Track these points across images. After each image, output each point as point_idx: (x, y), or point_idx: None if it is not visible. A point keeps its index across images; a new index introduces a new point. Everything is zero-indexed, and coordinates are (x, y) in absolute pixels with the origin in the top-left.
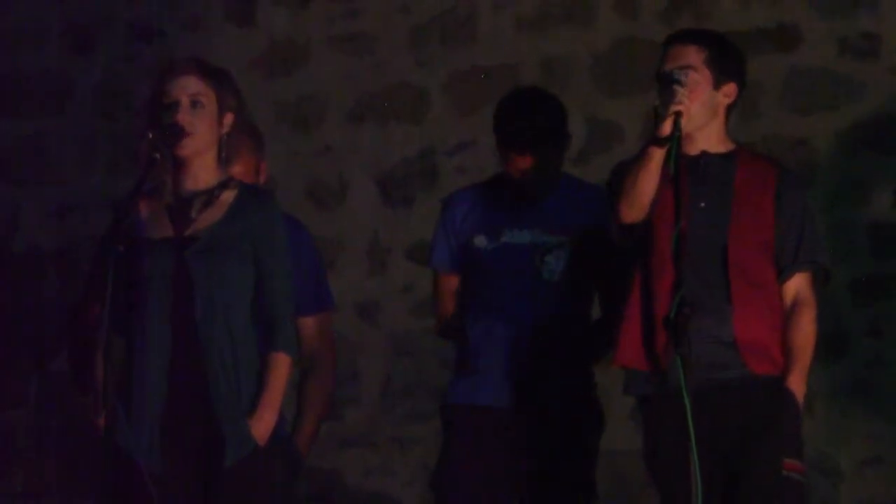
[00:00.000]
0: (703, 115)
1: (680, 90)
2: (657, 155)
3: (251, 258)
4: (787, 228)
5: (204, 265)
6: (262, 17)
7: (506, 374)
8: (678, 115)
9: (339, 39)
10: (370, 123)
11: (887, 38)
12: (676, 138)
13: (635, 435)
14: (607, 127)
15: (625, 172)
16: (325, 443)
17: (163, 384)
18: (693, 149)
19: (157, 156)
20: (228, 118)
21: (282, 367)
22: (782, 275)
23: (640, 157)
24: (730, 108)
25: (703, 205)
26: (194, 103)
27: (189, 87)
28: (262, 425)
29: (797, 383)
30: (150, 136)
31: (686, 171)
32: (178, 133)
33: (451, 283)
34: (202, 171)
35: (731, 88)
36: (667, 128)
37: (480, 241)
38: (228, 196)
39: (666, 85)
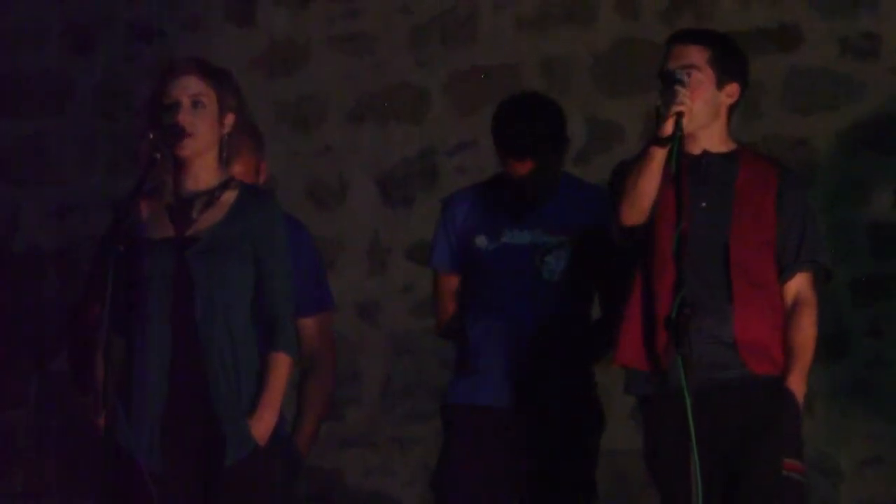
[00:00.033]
0: (705, 114)
1: (682, 90)
2: (658, 155)
3: (251, 258)
4: (788, 228)
5: (204, 265)
6: (262, 17)
7: (506, 374)
8: (680, 115)
9: (340, 39)
10: (370, 123)
11: (887, 38)
12: (678, 138)
13: (636, 435)
14: (608, 127)
15: (626, 172)
16: (326, 443)
17: (163, 384)
18: (695, 148)
19: (158, 156)
20: (229, 118)
21: (282, 367)
22: (783, 274)
23: (641, 157)
24: (732, 108)
25: (704, 204)
26: (195, 104)
27: (190, 87)
28: (263, 425)
29: (797, 383)
30: (151, 136)
31: (687, 170)
32: (179, 133)
33: (451, 283)
34: (203, 172)
35: (733, 88)
36: (668, 128)
37: (481, 241)
38: (229, 196)
39: (668, 85)
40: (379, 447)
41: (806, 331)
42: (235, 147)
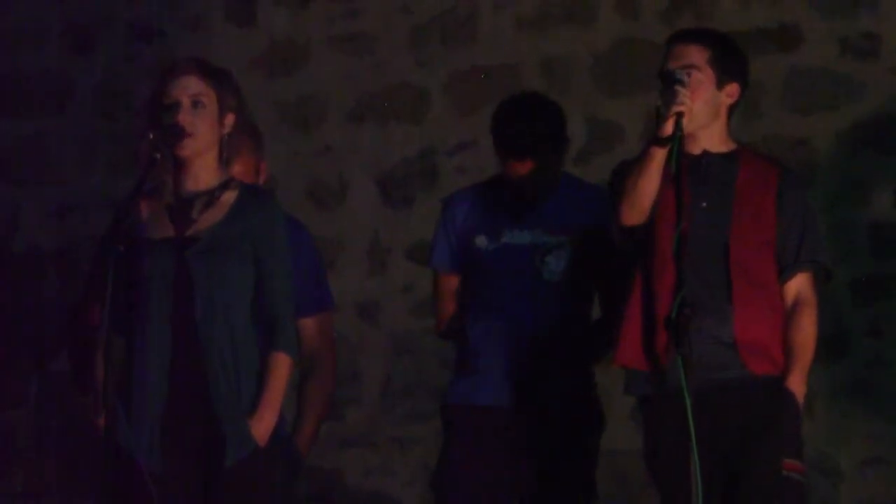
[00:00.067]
0: (705, 114)
1: (682, 90)
2: (659, 155)
3: (251, 258)
4: (788, 228)
5: (204, 265)
6: (262, 17)
7: (506, 374)
8: (680, 115)
9: (340, 39)
10: (370, 123)
11: (887, 38)
12: (678, 138)
13: (636, 435)
14: (608, 127)
15: (626, 172)
16: (326, 443)
17: (163, 384)
18: (695, 148)
19: (158, 156)
20: (229, 118)
21: (282, 367)
22: (783, 274)
23: (641, 158)
24: (732, 108)
25: (704, 204)
26: (195, 104)
27: (190, 87)
28: (263, 425)
29: (797, 383)
30: (151, 136)
31: (688, 170)
32: (179, 133)
33: (451, 283)
34: (203, 172)
35: (733, 88)
36: (668, 128)
37: (481, 241)
38: (229, 197)
39: (668, 85)
40: (379, 447)
41: (806, 331)
42: (235, 147)
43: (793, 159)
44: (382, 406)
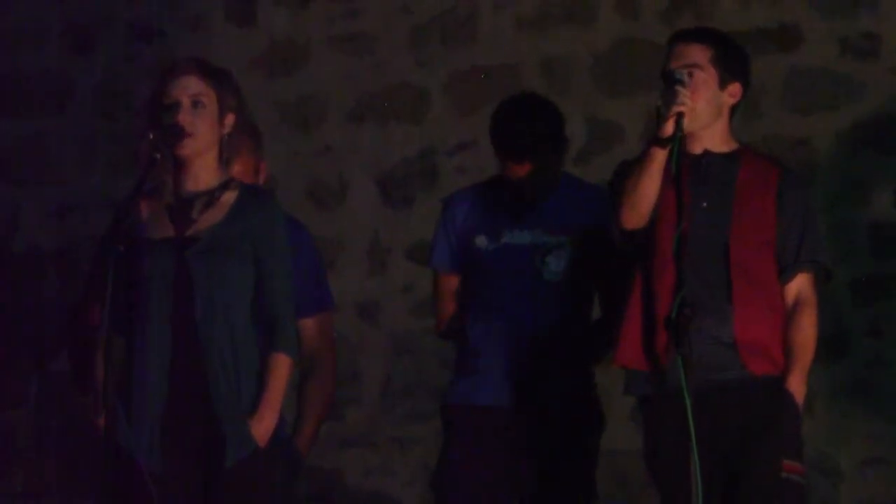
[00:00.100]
0: (708, 114)
1: (682, 90)
2: (659, 156)
3: (251, 258)
4: (788, 228)
5: (204, 265)
6: (262, 17)
7: (506, 375)
8: (680, 115)
9: (340, 39)
10: (370, 123)
11: (888, 38)
12: (678, 139)
13: (635, 435)
14: (608, 127)
15: (627, 172)
16: (326, 443)
17: (163, 384)
18: (696, 148)
19: (158, 156)
20: (229, 118)
21: (282, 367)
22: (784, 275)
23: (642, 159)
24: (734, 108)
25: (705, 204)
26: (195, 104)
27: (190, 87)
28: (263, 426)
29: (797, 384)
30: (151, 136)
31: (688, 170)
32: (179, 133)
33: (451, 283)
34: (203, 172)
35: (735, 88)
36: (669, 128)
37: (481, 241)
38: (229, 197)
39: (668, 85)
40: (379, 447)
41: (806, 331)
42: (235, 147)
43: (793, 159)
44: (382, 406)
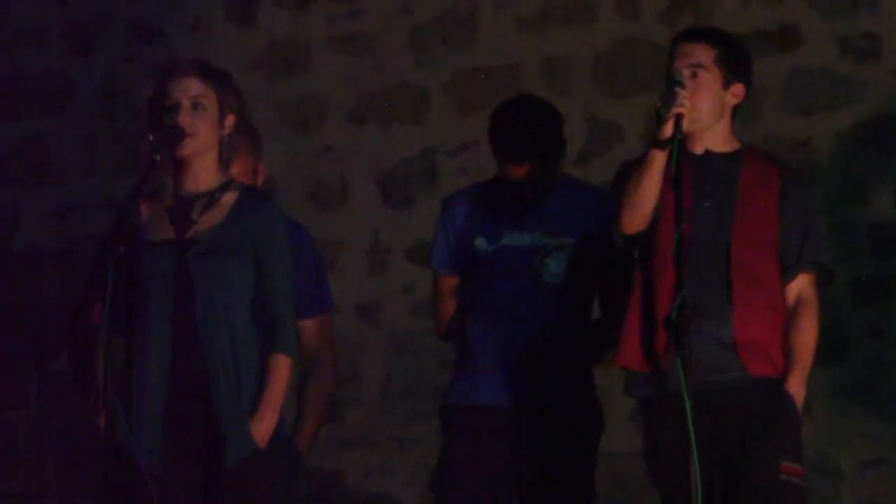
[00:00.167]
0: (711, 114)
1: (681, 92)
2: (659, 157)
3: (251, 259)
4: (790, 228)
5: (204, 266)
6: (262, 17)
7: (506, 375)
8: (679, 117)
9: (340, 40)
10: (371, 124)
11: (888, 38)
12: (678, 140)
13: (635, 436)
14: (608, 127)
15: (629, 174)
16: (326, 443)
17: (163, 384)
18: (698, 148)
19: (158, 157)
20: (230, 120)
21: (282, 368)
22: (785, 275)
23: (642, 161)
24: (735, 109)
25: (707, 204)
26: (195, 105)
27: (190, 88)
28: (263, 426)
29: (797, 386)
30: (151, 137)
31: (690, 170)
32: (179, 134)
33: (451, 283)
34: (203, 173)
35: (738, 89)
36: (668, 130)
37: (480, 242)
38: (229, 198)
39: (667, 87)
40: (379, 447)
41: (807, 332)
42: (234, 148)
43: (793, 160)
44: (382, 406)
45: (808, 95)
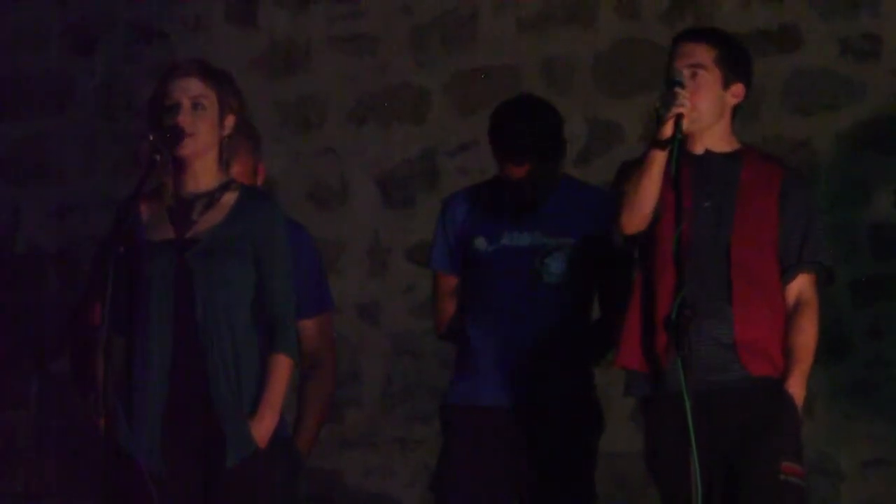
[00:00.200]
0: (711, 114)
1: (681, 92)
2: (659, 158)
3: (252, 259)
4: (790, 228)
5: (204, 266)
6: (262, 17)
7: (506, 375)
8: (679, 117)
9: (340, 40)
10: (371, 124)
11: (888, 38)
12: (678, 140)
13: (635, 436)
14: (608, 127)
15: (629, 173)
16: (326, 443)
17: (163, 384)
18: (698, 148)
19: (158, 157)
20: (230, 120)
21: (282, 368)
22: (785, 275)
23: (642, 161)
24: (736, 109)
25: (707, 204)
26: (195, 105)
27: (190, 88)
28: (263, 427)
29: (797, 386)
30: (151, 137)
31: (691, 170)
32: (179, 134)
33: (451, 283)
34: (203, 173)
35: (739, 89)
36: (668, 130)
37: (480, 242)
38: (230, 198)
39: (667, 87)
40: (379, 448)
41: (807, 332)
42: (234, 148)
43: (793, 160)
44: (382, 406)
45: (808, 95)
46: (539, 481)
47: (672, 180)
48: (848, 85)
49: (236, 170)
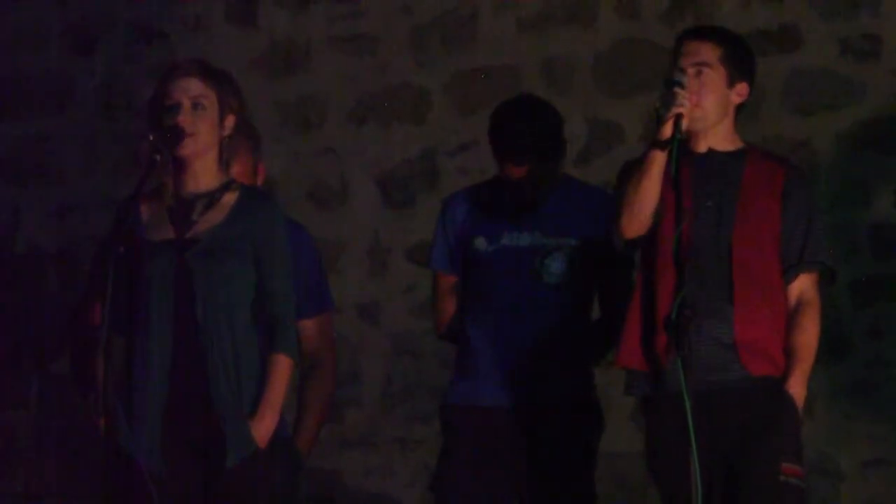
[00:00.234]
0: (716, 113)
1: (680, 92)
2: (659, 158)
3: (252, 259)
4: (792, 228)
5: (205, 266)
6: (262, 17)
7: (506, 375)
8: (679, 117)
9: (340, 40)
10: (371, 124)
11: (888, 38)
12: (677, 141)
13: (635, 437)
14: (608, 127)
15: (631, 174)
16: (326, 443)
17: (164, 384)
18: (701, 146)
19: (158, 157)
20: (230, 120)
21: (282, 368)
22: (787, 275)
23: (642, 162)
24: (739, 108)
25: (709, 204)
26: (195, 105)
27: (190, 89)
28: (263, 427)
29: (797, 386)
30: (151, 137)
31: (693, 169)
32: (179, 134)
33: (451, 283)
34: (203, 173)
35: (743, 88)
36: (667, 130)
37: (480, 242)
38: (230, 198)
39: (667, 87)
40: (379, 448)
41: (808, 332)
42: (234, 148)
43: (793, 160)
44: (383, 407)
45: (808, 95)
46: (539, 481)
47: (672, 180)
48: (848, 85)
49: (236, 170)
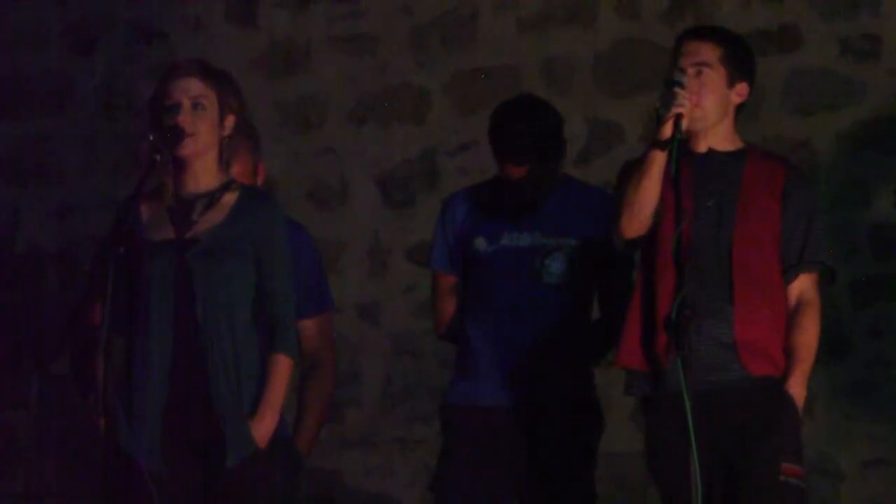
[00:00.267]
0: (716, 112)
1: (680, 92)
2: (659, 158)
3: (252, 259)
4: (792, 227)
5: (205, 266)
6: (262, 17)
7: (506, 375)
8: (679, 117)
9: (340, 40)
10: (371, 124)
11: (888, 38)
12: (677, 141)
13: (635, 437)
14: (608, 127)
15: (632, 174)
16: (326, 443)
17: (164, 384)
18: (701, 146)
19: (158, 157)
20: (230, 120)
21: (283, 368)
22: (787, 275)
23: (642, 162)
24: (739, 108)
25: (709, 204)
26: (195, 105)
27: (191, 89)
28: (263, 427)
29: (797, 386)
30: (151, 137)
31: (693, 169)
32: (179, 134)
33: (450, 283)
34: (203, 173)
35: (743, 88)
36: (667, 130)
37: (480, 243)
38: (230, 198)
39: (667, 87)
40: (379, 448)
41: (808, 332)
42: (234, 148)
43: (793, 160)
44: (383, 406)
45: (808, 95)
46: (539, 481)
47: (672, 180)
48: (848, 85)
49: (236, 170)
